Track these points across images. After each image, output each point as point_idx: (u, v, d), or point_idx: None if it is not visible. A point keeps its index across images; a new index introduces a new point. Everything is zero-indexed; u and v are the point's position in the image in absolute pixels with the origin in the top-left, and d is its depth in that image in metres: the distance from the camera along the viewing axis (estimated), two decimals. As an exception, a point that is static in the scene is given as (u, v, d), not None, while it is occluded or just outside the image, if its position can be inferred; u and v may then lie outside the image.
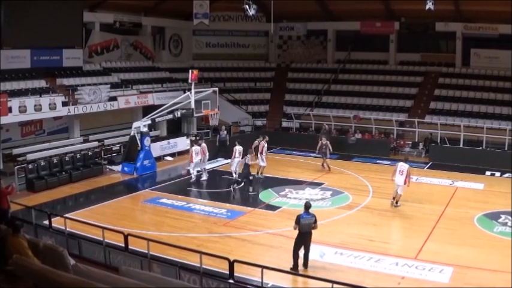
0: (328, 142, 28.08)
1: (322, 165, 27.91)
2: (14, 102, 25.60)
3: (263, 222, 19.70)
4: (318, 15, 42.27)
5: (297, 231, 14.73)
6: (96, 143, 29.84)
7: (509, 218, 19.49)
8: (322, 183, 25.20)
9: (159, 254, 14.25)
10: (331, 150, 28.29)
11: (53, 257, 7.43)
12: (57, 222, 16.20)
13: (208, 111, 28.19)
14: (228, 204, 21.80)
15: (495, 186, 25.05)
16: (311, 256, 15.67)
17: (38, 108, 26.49)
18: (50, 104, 27.17)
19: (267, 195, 23.31)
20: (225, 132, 30.66)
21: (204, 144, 26.10)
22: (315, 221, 14.86)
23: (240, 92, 41.24)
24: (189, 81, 28.28)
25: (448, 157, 29.98)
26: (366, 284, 12.47)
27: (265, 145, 26.44)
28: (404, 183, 20.73)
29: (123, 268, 8.08)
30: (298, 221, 14.68)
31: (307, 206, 15.10)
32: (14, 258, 7.60)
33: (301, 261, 14.80)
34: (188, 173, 26.27)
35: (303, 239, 14.82)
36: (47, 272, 6.44)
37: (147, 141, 27.91)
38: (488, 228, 18.73)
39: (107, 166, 28.39)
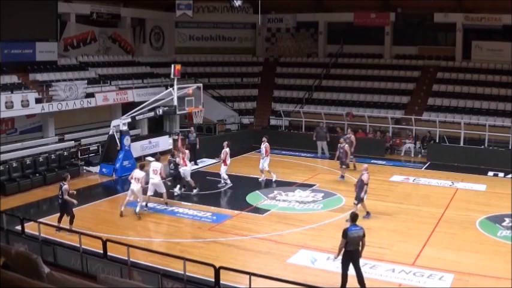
0: (345, 145, 26.83)
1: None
2: (-17, 100, 25.44)
3: (250, 226, 19.73)
4: (308, 6, 42.43)
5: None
6: (72, 143, 29.74)
7: (513, 221, 19.61)
8: (314, 185, 25.28)
9: (140, 261, 14.25)
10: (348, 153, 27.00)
11: (26, 265, 7.37)
12: (30, 228, 16.11)
13: (191, 108, 28.11)
14: (213, 208, 21.80)
15: (498, 187, 25.18)
16: (301, 262, 15.76)
17: (9, 105, 26.26)
18: (22, 101, 26.96)
19: (254, 198, 23.32)
20: (195, 134, 30.31)
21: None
22: (364, 235, 13.85)
23: (226, 88, 41.27)
24: (172, 76, 28.14)
25: (447, 157, 30.14)
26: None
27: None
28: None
29: (101, 276, 8.04)
30: (345, 234, 13.61)
31: (354, 217, 14.16)
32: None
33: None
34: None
35: (351, 257, 13.82)
36: (19, 281, 6.38)
37: (126, 140, 27.84)
38: (492, 233, 18.79)
39: (84, 167, 28.32)
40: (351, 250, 13.69)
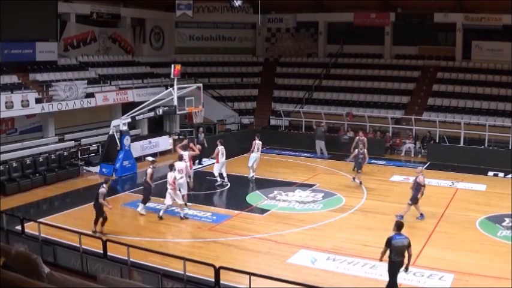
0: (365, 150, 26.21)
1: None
2: (-17, 100, 25.41)
3: (250, 226, 19.74)
4: (308, 6, 42.42)
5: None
6: (72, 143, 29.69)
7: (513, 221, 19.60)
8: (314, 185, 25.27)
9: (140, 261, 14.22)
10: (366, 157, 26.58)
11: (26, 265, 7.37)
12: (30, 228, 16.12)
13: (191, 108, 28.11)
14: (213, 208, 21.81)
15: (498, 187, 25.18)
16: (301, 262, 15.78)
17: (9, 105, 26.24)
18: (22, 101, 26.94)
19: (254, 198, 23.33)
20: (203, 135, 30.36)
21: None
22: (409, 245, 13.13)
23: (226, 88, 41.23)
24: (172, 76, 28.15)
25: (447, 157, 30.14)
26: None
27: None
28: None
29: (101, 276, 8.04)
30: (389, 243, 12.98)
31: (399, 225, 13.46)
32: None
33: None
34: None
35: (395, 268, 13.13)
36: (19, 281, 6.38)
37: (126, 140, 27.84)
38: (492, 233, 18.79)
39: (84, 167, 28.30)
40: (397, 261, 13.07)
